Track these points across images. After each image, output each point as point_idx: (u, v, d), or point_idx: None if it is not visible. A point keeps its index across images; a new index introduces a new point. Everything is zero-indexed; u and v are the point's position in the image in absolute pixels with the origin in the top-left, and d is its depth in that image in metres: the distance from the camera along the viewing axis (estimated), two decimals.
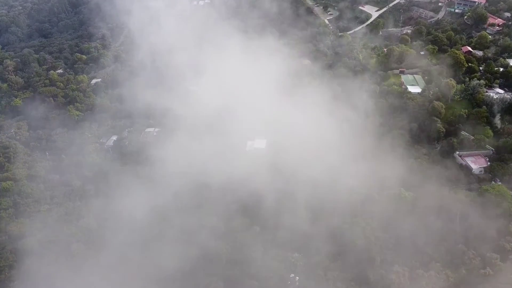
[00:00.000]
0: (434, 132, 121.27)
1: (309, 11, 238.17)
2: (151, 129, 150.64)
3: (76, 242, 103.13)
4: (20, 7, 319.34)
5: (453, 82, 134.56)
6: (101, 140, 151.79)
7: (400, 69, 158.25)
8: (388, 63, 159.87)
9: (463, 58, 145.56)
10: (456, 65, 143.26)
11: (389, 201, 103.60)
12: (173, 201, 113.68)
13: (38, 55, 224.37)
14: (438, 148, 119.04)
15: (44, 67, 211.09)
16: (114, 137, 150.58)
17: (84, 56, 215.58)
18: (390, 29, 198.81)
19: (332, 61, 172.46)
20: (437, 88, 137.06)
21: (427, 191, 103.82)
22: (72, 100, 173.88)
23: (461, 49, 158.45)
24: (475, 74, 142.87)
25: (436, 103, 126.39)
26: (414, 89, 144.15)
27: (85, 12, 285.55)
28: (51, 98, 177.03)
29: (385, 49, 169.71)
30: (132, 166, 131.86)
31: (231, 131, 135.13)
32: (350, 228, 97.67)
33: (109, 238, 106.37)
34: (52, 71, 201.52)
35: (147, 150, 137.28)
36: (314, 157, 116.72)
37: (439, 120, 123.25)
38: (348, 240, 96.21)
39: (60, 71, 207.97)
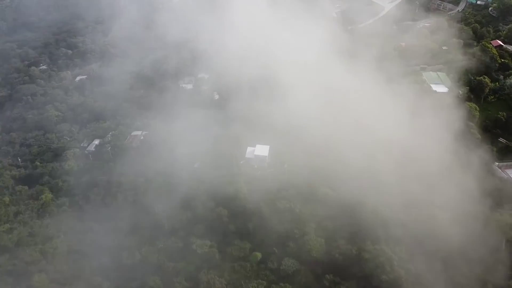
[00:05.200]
0: (467, 139, 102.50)
1: (315, 3, 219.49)
2: (138, 132, 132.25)
3: (38, 272, 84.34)
4: (8, 0, 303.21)
5: (487, 80, 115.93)
6: (81, 145, 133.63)
7: (421, 66, 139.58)
8: (407, 59, 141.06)
9: (496, 52, 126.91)
10: (487, 61, 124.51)
11: (419, 223, 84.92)
12: (158, 220, 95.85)
13: (21, 50, 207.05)
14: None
15: (26, 62, 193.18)
16: (97, 141, 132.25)
17: (69, 51, 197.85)
18: (406, 22, 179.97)
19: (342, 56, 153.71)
20: (467, 87, 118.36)
21: (464, 210, 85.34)
22: (52, 99, 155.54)
23: (491, 43, 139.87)
24: (510, 71, 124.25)
25: (469, 104, 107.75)
26: (439, 88, 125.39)
27: (75, 5, 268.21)
28: (29, 97, 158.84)
29: (402, 43, 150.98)
30: (113, 175, 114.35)
31: None
32: (373, 258, 79.12)
33: (81, 266, 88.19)
34: (33, 67, 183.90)
35: (132, 157, 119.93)
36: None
37: (473, 125, 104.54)
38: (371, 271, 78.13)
39: (43, 67, 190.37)
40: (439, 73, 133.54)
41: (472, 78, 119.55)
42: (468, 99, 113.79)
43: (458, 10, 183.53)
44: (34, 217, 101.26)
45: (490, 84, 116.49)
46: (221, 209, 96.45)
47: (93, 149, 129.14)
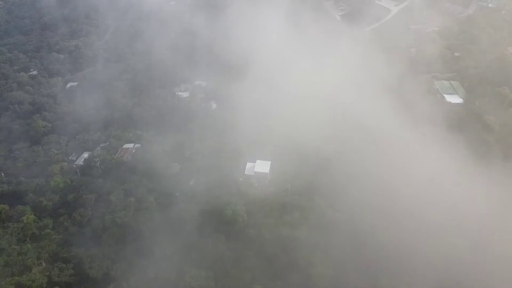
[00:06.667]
0: (487, 156, 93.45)
1: (318, 6, 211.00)
2: (130, 145, 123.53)
3: None
4: (2, 2, 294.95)
5: (507, 90, 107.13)
6: (70, 158, 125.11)
7: (432, 74, 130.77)
8: (417, 67, 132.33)
9: None
10: (506, 69, 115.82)
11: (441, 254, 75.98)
12: (148, 246, 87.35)
13: (11, 54, 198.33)
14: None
15: (15, 68, 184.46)
16: (86, 154, 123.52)
17: (61, 56, 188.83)
18: (413, 26, 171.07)
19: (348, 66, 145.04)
20: (484, 98, 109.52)
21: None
22: (40, 107, 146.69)
23: (507, 49, 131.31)
24: None
25: (489, 118, 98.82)
26: (453, 99, 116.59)
27: (70, 7, 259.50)
28: (16, 105, 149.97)
29: (412, 49, 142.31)
30: (102, 193, 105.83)
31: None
32: None
33: None
34: (23, 73, 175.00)
35: (122, 173, 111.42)
36: None
37: (492, 141, 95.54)
38: None
39: (34, 72, 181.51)
40: (452, 82, 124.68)
41: (490, 88, 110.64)
42: (485, 111, 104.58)
43: (469, 13, 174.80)
44: (13, 242, 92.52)
45: (510, 95, 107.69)
46: (218, 235, 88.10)
47: (82, 163, 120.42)
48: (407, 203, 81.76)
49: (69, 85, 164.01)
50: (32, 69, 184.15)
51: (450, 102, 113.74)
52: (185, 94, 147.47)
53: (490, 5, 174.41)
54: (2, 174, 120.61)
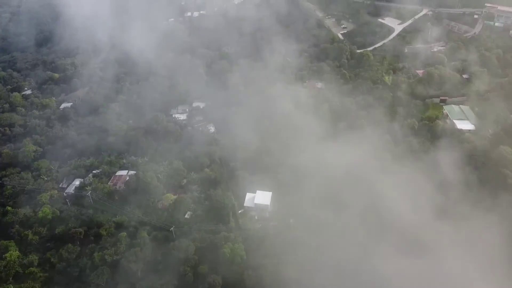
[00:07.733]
0: (504, 191, 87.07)
1: (320, 24, 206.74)
2: (123, 172, 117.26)
3: None
4: None
5: None
6: (60, 185, 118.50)
7: (440, 98, 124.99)
8: (425, 90, 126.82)
9: None
10: None
11: None
12: None
13: (5, 73, 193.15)
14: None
15: (9, 87, 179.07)
16: (77, 182, 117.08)
17: (56, 75, 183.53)
18: (418, 46, 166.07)
19: (351, 85, 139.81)
20: (498, 126, 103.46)
21: None
22: (31, 130, 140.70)
23: None
24: None
25: (505, 149, 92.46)
26: (464, 125, 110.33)
27: (68, 25, 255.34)
28: (7, 128, 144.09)
29: (418, 71, 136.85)
30: (91, 226, 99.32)
31: None
32: None
33: None
34: (16, 93, 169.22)
35: (114, 203, 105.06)
36: None
37: (510, 174, 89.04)
38: None
39: (27, 91, 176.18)
40: (462, 106, 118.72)
41: (505, 114, 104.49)
42: (500, 140, 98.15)
43: (475, 33, 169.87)
44: None
45: None
46: (214, 277, 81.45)
47: (73, 191, 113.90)
48: None
49: (62, 106, 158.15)
50: (26, 88, 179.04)
51: (460, 129, 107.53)
52: (182, 117, 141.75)
53: (496, 24, 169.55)
54: None
